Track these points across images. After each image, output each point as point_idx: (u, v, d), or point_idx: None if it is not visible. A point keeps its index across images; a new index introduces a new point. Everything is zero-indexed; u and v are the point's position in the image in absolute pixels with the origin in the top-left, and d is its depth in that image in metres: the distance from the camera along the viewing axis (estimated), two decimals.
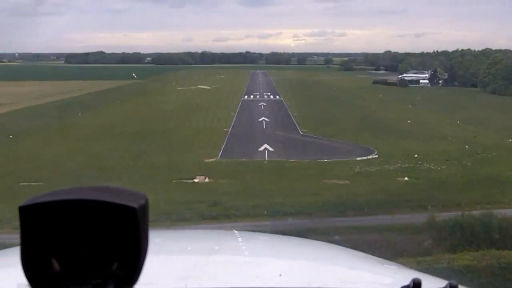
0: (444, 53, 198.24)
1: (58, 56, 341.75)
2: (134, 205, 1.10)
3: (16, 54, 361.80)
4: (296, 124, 63.57)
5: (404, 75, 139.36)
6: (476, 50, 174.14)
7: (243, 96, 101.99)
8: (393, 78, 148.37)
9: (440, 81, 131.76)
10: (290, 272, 2.44)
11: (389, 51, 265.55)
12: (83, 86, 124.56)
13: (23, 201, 1.11)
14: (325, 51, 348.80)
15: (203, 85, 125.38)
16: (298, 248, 3.38)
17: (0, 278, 2.24)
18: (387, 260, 3.29)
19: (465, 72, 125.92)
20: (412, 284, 1.70)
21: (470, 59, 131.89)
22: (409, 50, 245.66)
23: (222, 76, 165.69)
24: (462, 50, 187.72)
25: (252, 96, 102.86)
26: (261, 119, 68.06)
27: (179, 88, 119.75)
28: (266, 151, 47.43)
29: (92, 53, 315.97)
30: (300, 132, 58.34)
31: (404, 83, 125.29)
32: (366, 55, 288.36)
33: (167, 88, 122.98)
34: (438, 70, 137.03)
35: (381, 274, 2.79)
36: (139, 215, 1.11)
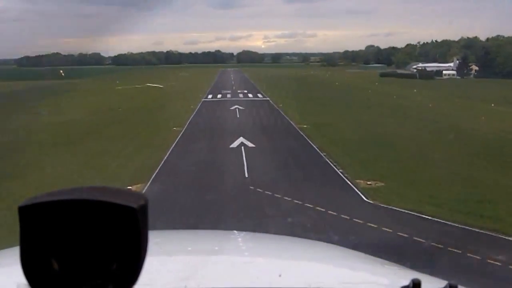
0: (446, 43, 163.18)
1: (17, 61, 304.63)
2: (134, 205, 1.06)
3: None
4: (329, 161, 23.55)
5: (421, 65, 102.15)
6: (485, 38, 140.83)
7: (205, 96, 62.33)
8: (398, 70, 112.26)
9: (471, 72, 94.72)
10: (290, 272, 2.33)
11: (372, 45, 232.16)
12: None
13: (22, 201, 1.06)
14: (297, 52, 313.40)
15: (155, 83, 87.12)
16: (298, 249, 3.19)
17: (0, 278, 2.17)
18: (387, 261, 2.97)
19: (507, 60, 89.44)
20: (411, 284, 1.64)
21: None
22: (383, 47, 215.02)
23: (184, 74, 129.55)
24: (468, 38, 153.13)
25: (220, 95, 62.10)
26: (237, 144, 28.25)
27: (118, 88, 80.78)
28: None
29: (47, 55, 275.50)
30: (361, 194, 17.54)
31: (427, 75, 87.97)
32: (345, 52, 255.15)
33: (101, 87, 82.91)
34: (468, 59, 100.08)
35: (381, 274, 2.64)
36: (138, 215, 1.06)
